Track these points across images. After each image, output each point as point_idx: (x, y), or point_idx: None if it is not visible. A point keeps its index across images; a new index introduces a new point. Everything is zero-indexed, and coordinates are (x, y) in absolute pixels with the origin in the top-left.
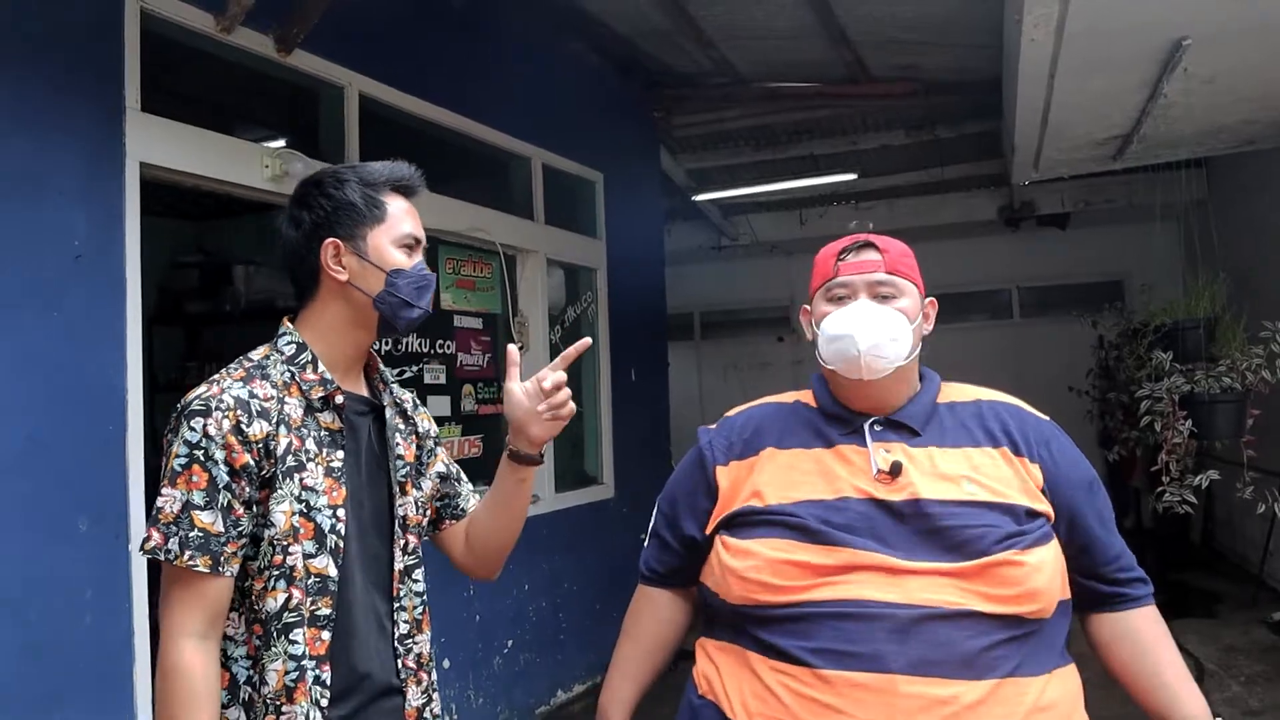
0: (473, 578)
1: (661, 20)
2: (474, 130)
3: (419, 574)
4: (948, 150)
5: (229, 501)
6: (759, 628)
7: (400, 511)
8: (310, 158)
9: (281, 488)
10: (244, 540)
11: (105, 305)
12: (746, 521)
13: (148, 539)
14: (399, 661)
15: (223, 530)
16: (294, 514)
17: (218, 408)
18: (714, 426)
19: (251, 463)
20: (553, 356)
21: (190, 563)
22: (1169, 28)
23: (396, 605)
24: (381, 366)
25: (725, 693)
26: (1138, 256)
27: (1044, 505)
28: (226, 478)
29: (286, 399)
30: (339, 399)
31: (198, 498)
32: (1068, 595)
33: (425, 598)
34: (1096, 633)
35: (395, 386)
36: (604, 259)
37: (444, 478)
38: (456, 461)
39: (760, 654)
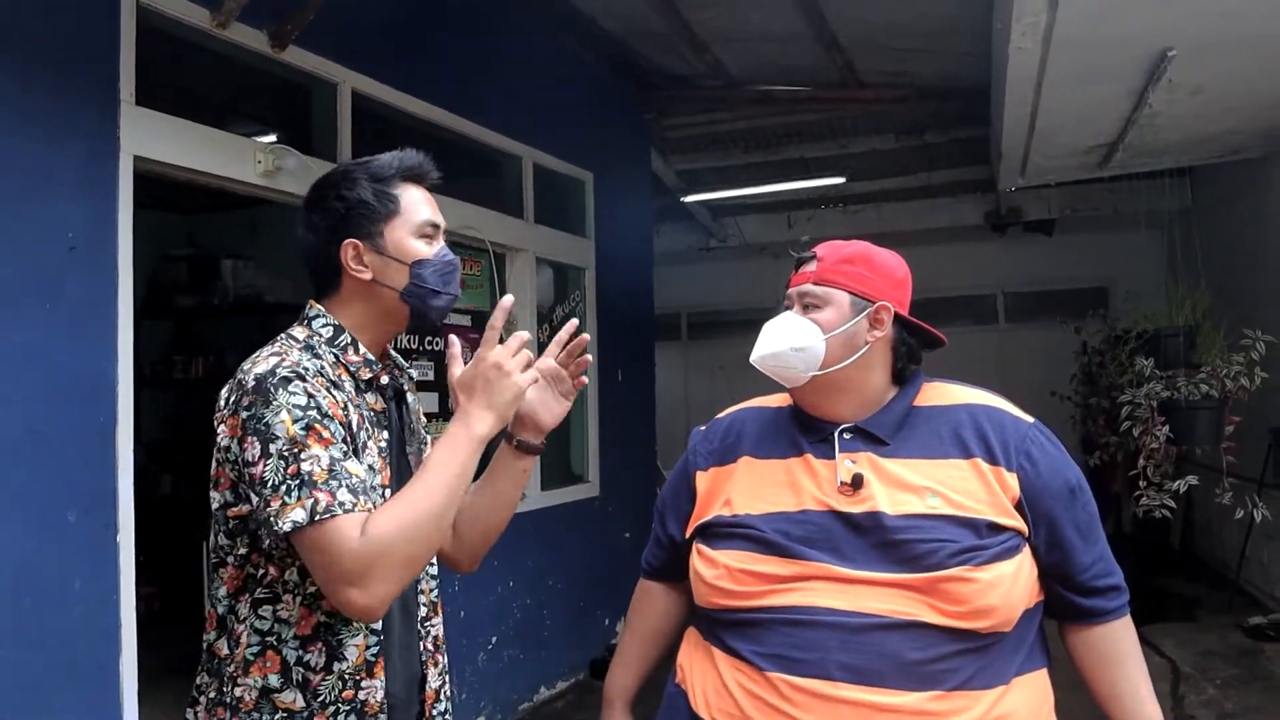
0: (455, 570)
1: (655, 22)
2: (466, 128)
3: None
4: (936, 155)
5: (352, 452)
6: (721, 629)
7: None
8: (303, 153)
9: (361, 460)
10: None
11: (98, 297)
12: (717, 533)
13: (315, 503)
14: (421, 644)
15: (364, 476)
16: None
17: (307, 373)
18: (704, 428)
19: (345, 424)
20: (540, 355)
21: (368, 505)
22: (1155, 38)
23: (416, 589)
24: (392, 351)
25: (693, 685)
26: (1122, 263)
27: (1013, 520)
28: (343, 431)
29: (341, 377)
30: (384, 379)
31: (337, 451)
32: (1037, 600)
33: (439, 580)
34: (1068, 640)
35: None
36: (593, 258)
37: None
38: None
39: (723, 652)
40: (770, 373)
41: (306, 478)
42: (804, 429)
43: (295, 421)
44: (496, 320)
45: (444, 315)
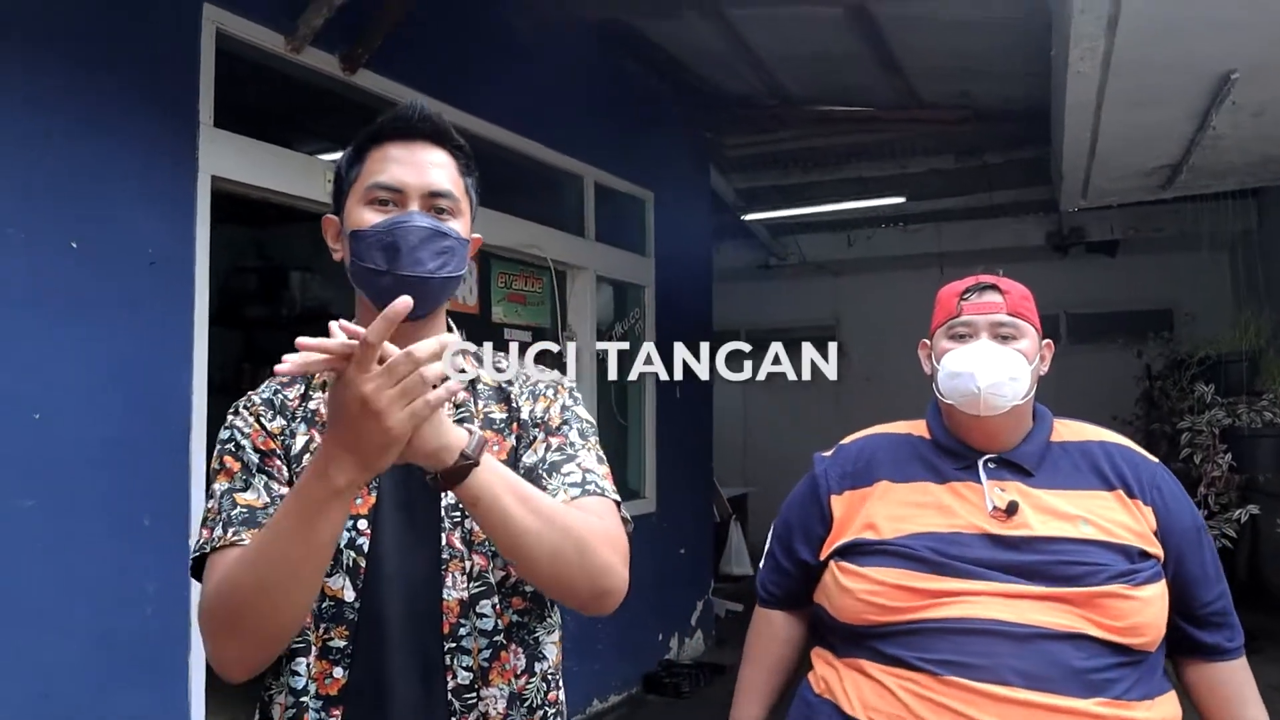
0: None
1: (715, 43)
2: (528, 148)
3: (491, 606)
4: (996, 175)
5: (266, 482)
6: (877, 641)
7: (468, 524)
8: None
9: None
10: None
11: (176, 310)
12: (863, 551)
13: (197, 541)
14: None
15: (268, 501)
16: None
17: (245, 407)
18: (829, 454)
19: (279, 450)
20: (600, 373)
21: (235, 538)
22: (1216, 61)
23: (453, 646)
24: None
25: (844, 691)
26: (1187, 286)
27: (1155, 548)
28: (257, 459)
29: (313, 394)
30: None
31: (237, 482)
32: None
33: (505, 638)
34: (1188, 676)
35: (486, 361)
36: (653, 276)
37: (529, 470)
38: None
39: (879, 663)
40: (975, 401)
41: (205, 514)
42: (944, 456)
43: (214, 460)
44: (373, 333)
45: (399, 304)
